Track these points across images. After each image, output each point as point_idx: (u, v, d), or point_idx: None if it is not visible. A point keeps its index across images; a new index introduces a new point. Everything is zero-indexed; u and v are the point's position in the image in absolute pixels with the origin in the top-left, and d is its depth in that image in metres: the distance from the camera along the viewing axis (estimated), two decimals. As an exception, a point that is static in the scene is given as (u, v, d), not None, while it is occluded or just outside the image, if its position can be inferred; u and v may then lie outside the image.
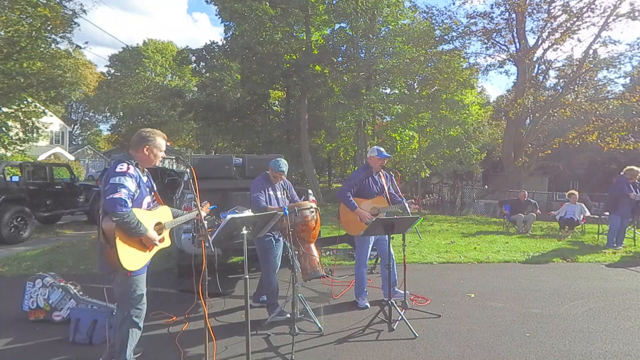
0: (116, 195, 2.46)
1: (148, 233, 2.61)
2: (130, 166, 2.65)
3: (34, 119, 14.49)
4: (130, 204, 2.52)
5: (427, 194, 18.96)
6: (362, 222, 4.23)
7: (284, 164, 4.16)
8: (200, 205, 3.18)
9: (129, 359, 2.84)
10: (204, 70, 21.21)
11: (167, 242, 2.87)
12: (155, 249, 2.78)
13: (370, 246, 4.47)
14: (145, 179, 2.81)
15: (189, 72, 23.81)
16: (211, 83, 16.89)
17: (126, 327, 2.76)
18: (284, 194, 4.25)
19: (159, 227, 2.79)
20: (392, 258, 4.13)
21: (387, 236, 3.99)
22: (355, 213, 4.24)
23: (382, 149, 4.41)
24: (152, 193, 2.90)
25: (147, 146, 2.75)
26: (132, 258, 2.58)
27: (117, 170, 2.58)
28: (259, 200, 3.98)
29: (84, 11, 14.01)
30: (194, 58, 20.78)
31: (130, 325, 2.77)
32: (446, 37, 17.12)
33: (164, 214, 2.89)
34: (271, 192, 4.15)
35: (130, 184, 2.58)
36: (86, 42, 30.24)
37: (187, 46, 22.08)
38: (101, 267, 2.68)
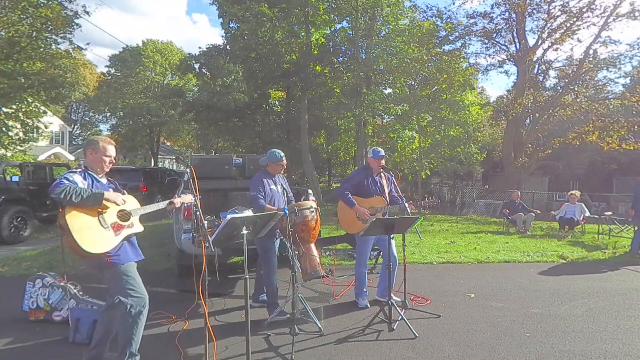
0: (55, 182, 2.60)
1: (106, 194, 2.70)
2: (78, 169, 2.83)
3: (34, 119, 14.50)
4: (67, 183, 2.60)
5: (427, 195, 18.98)
6: (360, 221, 4.23)
7: (280, 152, 4.28)
8: (179, 196, 3.33)
9: (135, 352, 2.84)
10: (208, 74, 21.14)
11: (138, 228, 2.92)
12: (125, 233, 2.80)
13: (371, 246, 4.48)
14: (104, 181, 2.93)
15: (190, 73, 23.80)
16: (221, 89, 17.07)
17: (130, 319, 2.78)
18: (282, 190, 4.27)
19: (122, 213, 2.84)
20: (395, 260, 4.13)
21: (388, 236, 3.99)
22: (353, 210, 4.25)
23: (378, 150, 4.41)
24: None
25: (90, 149, 2.89)
26: (91, 239, 2.62)
27: (66, 173, 2.79)
28: (258, 199, 3.99)
29: (87, 12, 13.99)
30: (197, 65, 20.77)
31: (133, 316, 2.78)
32: (450, 37, 17.09)
33: (129, 203, 2.94)
34: (273, 187, 4.19)
35: (76, 177, 2.71)
36: (87, 44, 30.00)
37: (190, 53, 22.08)
38: (85, 264, 2.78)
